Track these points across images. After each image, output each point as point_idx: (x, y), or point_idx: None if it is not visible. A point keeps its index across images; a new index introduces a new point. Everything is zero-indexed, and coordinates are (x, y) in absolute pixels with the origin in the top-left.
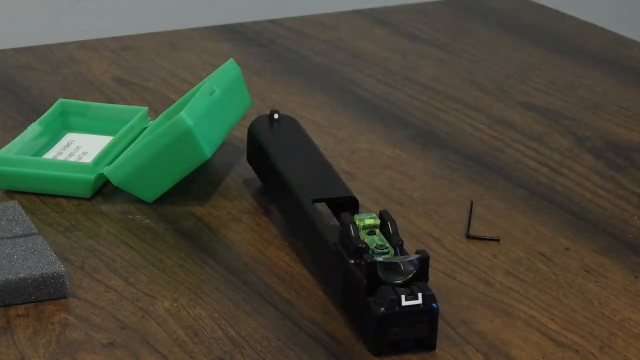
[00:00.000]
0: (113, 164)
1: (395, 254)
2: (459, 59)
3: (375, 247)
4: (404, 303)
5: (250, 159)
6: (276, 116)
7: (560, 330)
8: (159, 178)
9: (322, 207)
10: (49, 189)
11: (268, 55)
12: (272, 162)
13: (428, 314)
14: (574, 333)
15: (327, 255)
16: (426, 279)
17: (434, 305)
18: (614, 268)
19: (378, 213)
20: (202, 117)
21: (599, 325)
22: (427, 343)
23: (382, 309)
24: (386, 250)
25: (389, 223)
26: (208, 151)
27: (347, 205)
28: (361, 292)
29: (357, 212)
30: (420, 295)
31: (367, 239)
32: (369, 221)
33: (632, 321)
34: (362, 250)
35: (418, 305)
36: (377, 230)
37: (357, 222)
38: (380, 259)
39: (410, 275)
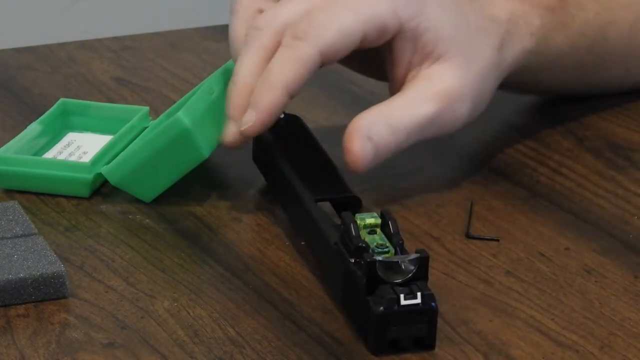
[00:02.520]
0: (111, 163)
1: (396, 254)
2: None
3: (376, 247)
4: (403, 302)
5: (255, 159)
6: (282, 115)
7: (560, 330)
8: (156, 178)
9: (326, 207)
10: (47, 189)
11: None
12: (276, 161)
13: (427, 314)
14: (574, 333)
15: (328, 255)
16: (426, 278)
17: (433, 304)
18: (614, 268)
19: (379, 212)
20: (200, 117)
21: (599, 325)
22: (426, 342)
23: (381, 308)
24: (386, 250)
25: (390, 222)
26: (206, 152)
27: (350, 204)
28: (361, 291)
29: (360, 212)
30: (419, 294)
31: (368, 238)
32: (370, 220)
33: (632, 321)
34: (362, 250)
35: (417, 304)
36: (378, 230)
37: (358, 222)
38: (379, 258)
39: (410, 275)
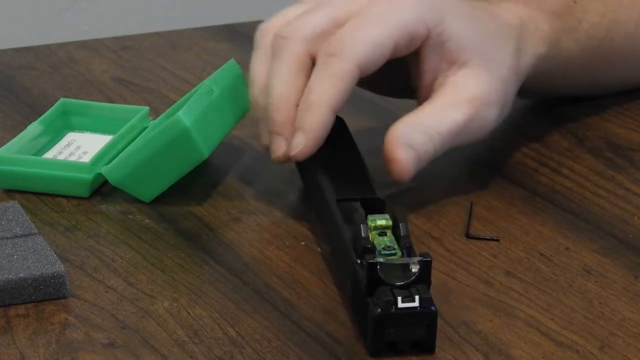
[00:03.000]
0: (111, 163)
1: (402, 256)
2: None
3: (383, 248)
4: (400, 305)
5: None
6: None
7: (560, 330)
8: (156, 178)
9: (357, 207)
10: (46, 189)
11: None
12: (310, 159)
13: (426, 317)
14: (574, 333)
15: (342, 255)
16: (428, 282)
17: (432, 308)
18: (614, 268)
19: (392, 214)
20: (200, 117)
21: (599, 325)
22: (426, 346)
23: (379, 310)
24: (393, 252)
25: (400, 225)
26: (205, 151)
27: (374, 206)
28: (362, 292)
29: (384, 213)
30: (417, 297)
31: (377, 240)
32: (381, 222)
33: (632, 321)
34: (367, 251)
35: (415, 307)
36: (389, 232)
37: (369, 223)
38: (380, 259)
39: (412, 278)
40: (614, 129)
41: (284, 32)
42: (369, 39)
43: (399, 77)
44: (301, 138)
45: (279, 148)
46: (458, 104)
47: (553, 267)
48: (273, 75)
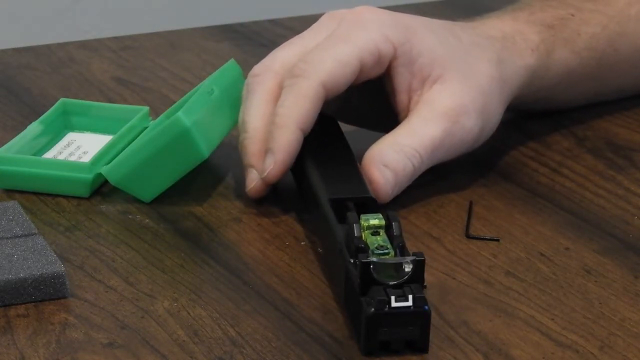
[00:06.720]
0: (111, 163)
1: (396, 256)
2: None
3: (376, 248)
4: (394, 304)
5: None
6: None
7: (560, 330)
8: (156, 178)
9: (350, 207)
10: (46, 189)
11: None
12: (302, 158)
13: (419, 317)
14: (574, 333)
15: (335, 255)
16: (422, 281)
17: (425, 307)
18: (614, 268)
19: (385, 214)
20: (200, 117)
21: (599, 325)
22: (419, 346)
23: (372, 309)
24: (387, 251)
25: (393, 224)
26: (205, 151)
27: (368, 205)
28: (355, 291)
29: (377, 213)
30: (410, 297)
31: (370, 239)
32: (374, 222)
33: (632, 321)
34: (360, 250)
35: (408, 307)
36: (382, 231)
37: (362, 222)
38: (374, 259)
39: (405, 277)
40: (614, 129)
41: (255, 70)
42: (332, 57)
43: (384, 107)
44: (270, 160)
45: (252, 180)
46: (433, 119)
47: (553, 267)
48: (246, 111)
